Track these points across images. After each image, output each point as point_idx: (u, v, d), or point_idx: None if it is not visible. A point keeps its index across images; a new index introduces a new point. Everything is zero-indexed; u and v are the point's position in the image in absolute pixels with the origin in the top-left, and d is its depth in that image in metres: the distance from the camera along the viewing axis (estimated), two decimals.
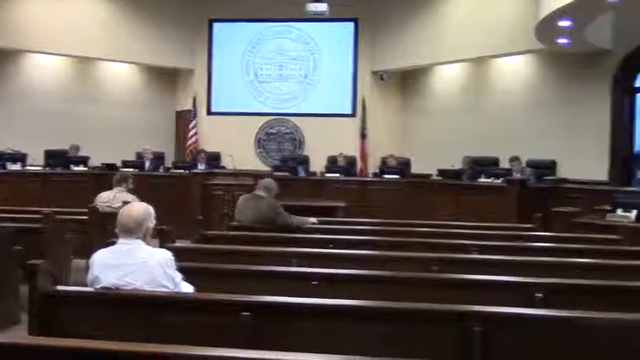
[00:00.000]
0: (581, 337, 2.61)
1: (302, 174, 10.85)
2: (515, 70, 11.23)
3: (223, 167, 11.27)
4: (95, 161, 10.67)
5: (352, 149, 12.03)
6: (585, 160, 9.80)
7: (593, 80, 9.96)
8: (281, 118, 12.92)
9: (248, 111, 12.89)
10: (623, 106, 9.75)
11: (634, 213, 7.10)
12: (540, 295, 3.25)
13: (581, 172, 9.59)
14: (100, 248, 2.99)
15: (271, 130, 12.96)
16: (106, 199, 6.40)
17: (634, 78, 9.77)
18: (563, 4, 7.83)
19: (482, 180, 9.53)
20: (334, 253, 4.45)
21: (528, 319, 2.74)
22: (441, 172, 10.34)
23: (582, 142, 9.96)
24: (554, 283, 3.43)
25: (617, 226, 6.19)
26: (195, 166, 10.98)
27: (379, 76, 12.74)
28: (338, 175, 10.70)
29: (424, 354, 2.57)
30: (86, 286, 2.92)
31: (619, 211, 7.22)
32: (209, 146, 12.34)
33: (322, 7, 11.07)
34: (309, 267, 3.81)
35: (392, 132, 12.76)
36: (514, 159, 9.57)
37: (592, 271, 4.06)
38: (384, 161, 11.46)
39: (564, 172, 9.76)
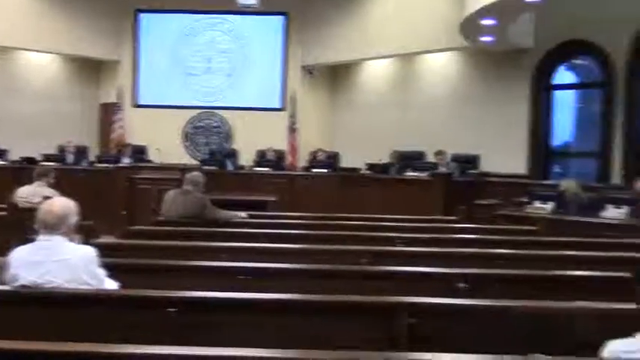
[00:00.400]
0: (503, 325, 2.70)
1: (230, 168, 10.76)
2: (441, 67, 11.48)
3: (149, 161, 11.03)
4: (14, 155, 10.26)
5: (281, 143, 12.01)
6: (506, 155, 10.14)
7: (515, 77, 10.30)
8: (209, 111, 12.75)
9: (176, 104, 12.65)
10: (542, 102, 10.15)
11: (550, 205, 7.43)
12: (464, 284, 3.33)
13: (502, 166, 9.92)
14: (18, 245, 2.87)
15: (199, 124, 12.78)
16: (26, 194, 6.16)
17: (552, 75, 10.18)
18: (486, 3, 8.06)
19: (409, 174, 9.70)
20: (264, 247, 4.43)
21: (453, 308, 2.80)
22: (370, 166, 10.46)
23: (503, 138, 10.29)
24: (477, 274, 3.54)
25: (535, 217, 6.44)
26: (120, 160, 10.69)
27: (308, 71, 12.75)
28: (267, 169, 10.66)
29: (354, 346, 2.59)
30: (3, 284, 2.79)
31: (537, 203, 7.55)
32: (135, 139, 12.04)
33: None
34: (238, 261, 3.77)
35: (321, 126, 12.81)
36: (439, 153, 9.80)
37: (512, 261, 4.21)
38: (313, 155, 11.49)
39: (487, 166, 10.08)
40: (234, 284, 3.24)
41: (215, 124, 12.78)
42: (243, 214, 5.91)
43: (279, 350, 2.03)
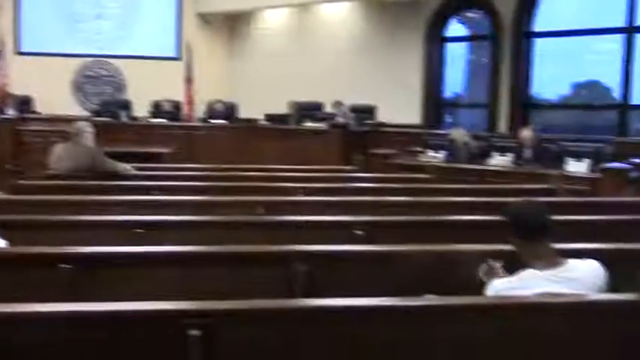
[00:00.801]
0: (397, 268, 2.81)
1: (124, 119, 10.39)
2: (339, 17, 11.47)
3: (36, 112, 10.41)
4: None
5: (178, 94, 11.64)
6: (401, 106, 10.37)
7: (410, 29, 10.47)
8: (100, 60, 12.14)
9: (63, 52, 11.93)
10: (434, 54, 10.41)
11: (442, 153, 7.74)
12: (361, 231, 3.43)
13: (397, 116, 10.16)
14: None
15: (90, 73, 12.16)
16: None
17: (444, 28, 10.45)
18: None
19: (308, 124, 9.75)
20: (159, 200, 4.35)
21: (349, 254, 2.89)
22: (268, 117, 10.41)
23: (399, 89, 10.50)
24: (373, 221, 3.64)
25: (428, 165, 6.69)
26: (3, 112, 10.01)
27: (205, 19, 12.38)
28: (163, 120, 10.37)
29: (253, 294, 2.61)
30: None
31: (430, 152, 7.84)
32: (19, 90, 11.26)
33: None
34: (134, 215, 3.68)
35: (219, 76, 12.53)
36: (337, 104, 9.88)
37: (407, 208, 4.36)
38: (210, 106, 11.26)
39: (383, 116, 10.28)
40: (130, 238, 3.18)
41: (107, 74, 12.21)
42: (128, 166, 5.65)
43: (178, 302, 2.02)
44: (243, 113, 11.07)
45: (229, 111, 10.94)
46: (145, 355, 1.94)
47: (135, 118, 10.71)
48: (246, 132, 10.05)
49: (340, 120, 9.65)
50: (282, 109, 10.34)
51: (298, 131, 9.65)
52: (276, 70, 11.90)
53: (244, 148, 9.73)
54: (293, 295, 2.64)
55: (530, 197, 4.76)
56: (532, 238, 2.40)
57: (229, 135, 10.07)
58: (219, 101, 11.23)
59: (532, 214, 2.45)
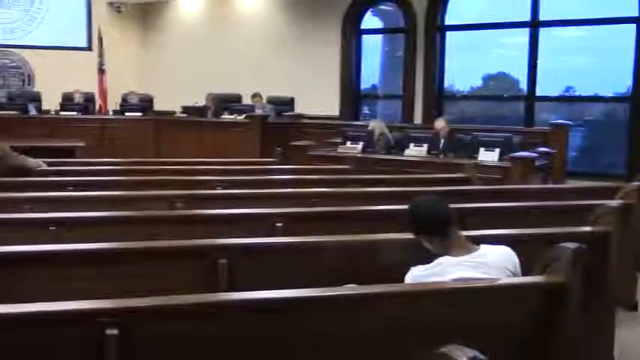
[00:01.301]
0: (317, 259, 2.82)
1: (33, 112, 9.95)
2: (256, 9, 11.41)
3: None
4: None
5: (90, 86, 11.23)
6: (320, 97, 10.45)
7: (328, 21, 10.54)
8: (5, 50, 11.56)
9: None
10: (352, 46, 10.52)
11: (361, 144, 7.85)
12: (280, 224, 3.43)
13: (316, 108, 10.22)
14: None
15: None
16: None
17: (361, 20, 10.57)
18: None
19: (226, 117, 9.67)
20: (73, 196, 4.19)
21: (269, 247, 2.89)
22: (185, 109, 10.24)
23: (317, 80, 10.56)
24: (294, 212, 3.65)
25: (347, 156, 6.77)
26: None
27: (116, 8, 12.00)
28: (75, 113, 10.01)
29: (174, 290, 2.57)
30: None
31: (348, 144, 7.94)
32: None
33: None
34: (47, 212, 3.53)
35: (133, 67, 12.21)
36: (255, 95, 9.83)
37: (326, 199, 4.40)
38: (124, 98, 10.94)
39: (302, 108, 10.32)
40: (44, 236, 3.05)
41: (12, 64, 11.64)
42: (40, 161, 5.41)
43: (94, 301, 1.95)
44: (159, 105, 10.87)
45: (145, 103, 10.70)
46: (61, 356, 1.86)
47: (45, 112, 10.27)
48: (163, 125, 9.86)
49: (259, 112, 9.61)
50: (199, 101, 10.19)
51: (217, 124, 9.54)
52: (193, 61, 11.72)
53: (161, 142, 9.56)
54: (215, 290, 2.61)
55: (445, 187, 4.96)
56: (437, 232, 2.47)
57: (145, 128, 9.85)
58: (134, 93, 10.94)
59: (431, 210, 2.50)
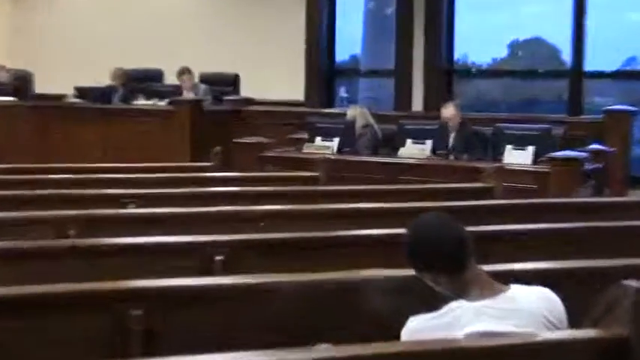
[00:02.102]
0: (273, 307, 2.82)
1: None
2: None
3: None
4: None
5: None
6: (276, 75, 10.44)
7: None
8: None
9: None
10: (322, 10, 10.52)
11: (336, 142, 7.85)
12: (220, 257, 3.42)
13: (271, 89, 10.22)
14: None
15: None
16: None
17: None
18: None
19: (141, 102, 9.61)
20: None
21: (198, 291, 2.87)
22: (81, 92, 10.16)
23: (272, 50, 10.55)
24: (238, 240, 3.64)
25: (315, 159, 6.76)
26: None
27: None
28: None
29: (69, 351, 2.55)
30: None
31: (318, 140, 7.93)
32: None
33: None
34: None
35: (1, 34, 12.11)
36: (184, 72, 9.79)
37: (283, 221, 4.40)
38: None
39: (250, 89, 10.29)
40: None
41: None
42: None
43: None
44: (42, 87, 10.81)
45: (19, 82, 10.58)
46: None
47: None
48: (48, 114, 9.75)
49: (189, 95, 9.57)
50: (101, 80, 10.10)
51: (127, 112, 9.48)
52: (92, 23, 11.63)
53: (47, 138, 9.44)
54: (126, 355, 2.59)
55: (457, 201, 4.98)
56: (447, 266, 2.46)
57: (22, 118, 9.72)
58: (4, 69, 10.80)
59: (438, 235, 2.50)
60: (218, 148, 6.82)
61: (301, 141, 8.14)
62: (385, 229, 3.88)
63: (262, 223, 4.30)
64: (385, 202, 5.03)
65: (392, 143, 7.91)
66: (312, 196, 5.31)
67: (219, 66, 10.38)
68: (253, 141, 7.81)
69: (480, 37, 10.02)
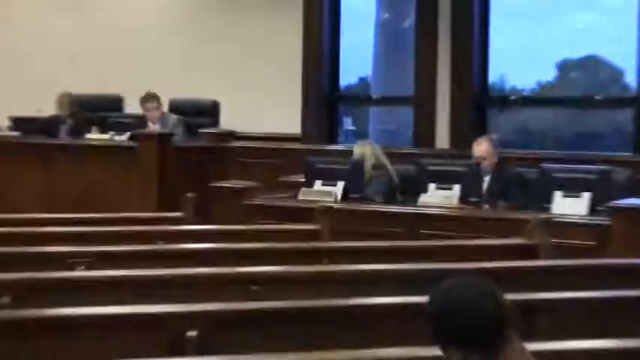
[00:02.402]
0: None
1: None
2: None
3: None
4: None
5: None
6: (266, 104, 10.44)
7: None
8: None
9: None
10: (323, 11, 10.54)
11: (340, 186, 7.84)
12: (194, 333, 3.41)
13: (260, 121, 10.26)
14: None
15: None
16: None
17: None
18: None
19: (95, 136, 9.60)
20: None
21: None
22: (18, 123, 10.16)
23: (261, 76, 10.55)
24: (216, 311, 3.64)
25: (316, 208, 6.74)
26: None
27: None
28: None
29: None
30: None
31: (318, 185, 7.92)
32: None
33: None
34: None
35: None
36: (149, 98, 9.80)
37: (278, 286, 4.38)
38: None
39: (233, 120, 10.30)
40: None
41: None
42: None
43: None
44: None
45: None
46: None
47: None
48: None
49: (155, 127, 9.57)
50: (43, 107, 10.10)
51: (77, 149, 9.47)
52: (33, 42, 11.66)
53: None
54: None
55: (493, 261, 4.95)
56: (482, 344, 2.47)
57: None
58: None
59: (471, 305, 2.50)
60: (192, 195, 6.81)
61: (297, 185, 8.12)
62: (402, 296, 3.87)
63: (254, 287, 4.29)
64: (402, 262, 5.01)
65: (411, 188, 7.89)
66: (312, 256, 5.31)
67: (194, 91, 10.42)
68: (236, 185, 7.80)
69: (522, 54, 10.03)
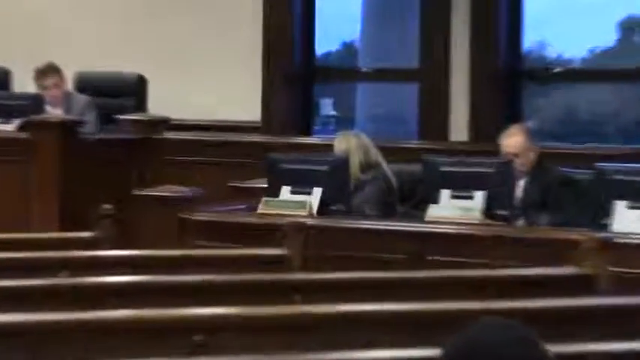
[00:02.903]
0: None
1: None
2: None
3: None
4: None
5: None
6: (213, 81, 10.49)
7: None
8: None
9: None
10: None
11: (317, 194, 7.84)
12: None
13: (204, 104, 10.32)
14: None
15: None
16: None
17: None
18: None
19: None
20: None
21: None
22: None
23: (205, 43, 10.62)
24: None
25: (285, 225, 6.73)
26: None
27: None
28: None
29: None
30: None
31: (285, 192, 7.91)
32: None
33: None
34: None
35: None
36: (49, 71, 9.80)
37: (231, 335, 4.36)
38: None
39: (165, 103, 10.32)
40: None
41: None
42: None
43: None
44: None
45: None
46: None
47: None
48: None
49: (56, 113, 9.57)
50: None
51: None
52: None
53: None
54: None
55: (531, 298, 4.95)
56: None
57: None
58: None
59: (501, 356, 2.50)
60: (108, 207, 6.79)
61: (256, 193, 8.12)
62: (403, 348, 3.87)
63: (198, 338, 4.27)
64: (404, 301, 5.01)
65: (415, 197, 7.90)
66: (277, 292, 5.29)
67: (111, 63, 10.44)
68: (171, 194, 7.79)
69: (569, 11, 10.09)
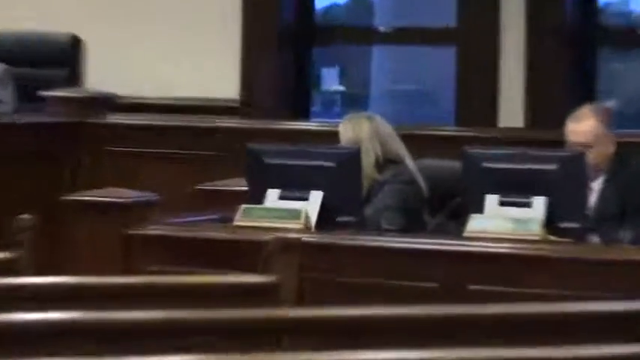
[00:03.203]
0: None
1: None
2: None
3: None
4: None
5: None
6: (177, 46, 10.53)
7: None
8: None
9: None
10: None
11: (316, 199, 7.79)
12: None
13: (164, 76, 10.28)
14: None
15: None
16: None
17: None
18: None
19: None
20: None
21: None
22: None
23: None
24: None
25: (269, 243, 6.70)
26: None
27: None
28: None
29: None
30: None
31: (272, 197, 7.88)
32: None
33: None
34: None
35: None
36: None
37: None
38: None
39: (108, 75, 10.33)
40: None
41: None
42: None
43: None
44: None
45: None
46: None
47: None
48: None
49: None
50: None
51: None
52: None
53: None
54: None
55: (614, 344, 4.88)
56: None
57: None
58: None
59: None
60: (29, 218, 6.75)
61: (233, 199, 8.09)
62: None
63: None
64: (434, 347, 4.95)
65: (451, 204, 7.86)
66: (261, 335, 5.22)
67: (34, 19, 10.44)
68: (112, 199, 7.74)
69: None
